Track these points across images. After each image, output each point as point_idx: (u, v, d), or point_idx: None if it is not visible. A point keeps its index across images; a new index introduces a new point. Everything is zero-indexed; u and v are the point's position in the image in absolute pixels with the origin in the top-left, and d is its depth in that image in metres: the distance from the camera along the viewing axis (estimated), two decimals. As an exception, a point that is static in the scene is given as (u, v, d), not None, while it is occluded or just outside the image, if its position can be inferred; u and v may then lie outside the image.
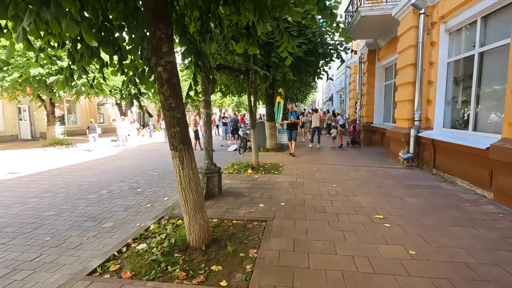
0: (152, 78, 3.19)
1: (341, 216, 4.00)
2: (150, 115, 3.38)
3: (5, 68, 11.91)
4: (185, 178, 3.00)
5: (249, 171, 7.07)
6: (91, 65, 12.75)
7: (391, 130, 8.36)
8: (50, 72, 12.59)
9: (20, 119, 17.94)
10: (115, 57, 3.13)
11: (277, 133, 11.66)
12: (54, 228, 4.09)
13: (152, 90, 3.49)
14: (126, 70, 3.27)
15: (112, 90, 18.00)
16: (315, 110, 12.43)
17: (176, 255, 2.95)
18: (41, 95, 13.54)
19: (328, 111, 18.71)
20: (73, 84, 12.78)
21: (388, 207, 4.32)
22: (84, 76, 3.43)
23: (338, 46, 9.46)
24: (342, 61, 11.04)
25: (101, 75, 3.38)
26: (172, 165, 3.05)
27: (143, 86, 3.24)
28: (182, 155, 2.95)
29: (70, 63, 3.02)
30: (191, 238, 3.09)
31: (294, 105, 9.82)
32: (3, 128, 16.77)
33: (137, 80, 3.24)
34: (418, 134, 6.96)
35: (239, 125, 16.23)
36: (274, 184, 5.89)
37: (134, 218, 4.45)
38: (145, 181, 6.95)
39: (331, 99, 25.85)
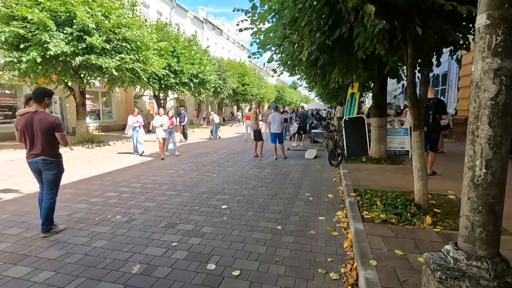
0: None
1: None
2: None
3: (21, 46, 9.33)
4: None
5: (428, 220, 3.35)
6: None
7: None
8: (76, 51, 9.85)
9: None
10: None
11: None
12: None
13: None
14: None
15: (151, 79, 15.24)
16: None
17: None
18: (67, 81, 10.90)
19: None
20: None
21: None
22: None
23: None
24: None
25: None
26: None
27: None
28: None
29: None
30: None
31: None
32: (32, 122, 14.74)
33: None
34: None
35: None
36: None
37: None
38: (213, 228, 3.55)
39: (404, 91, 21.09)
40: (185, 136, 14.13)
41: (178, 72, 16.96)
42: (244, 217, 3.93)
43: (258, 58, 7.81)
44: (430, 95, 5.91)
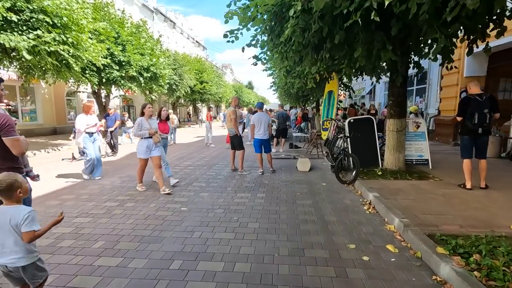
0: None
1: None
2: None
3: None
4: None
5: None
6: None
7: None
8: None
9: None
10: None
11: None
12: None
13: None
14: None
15: (87, 70, 11.97)
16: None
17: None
18: None
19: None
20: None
21: None
22: None
23: None
24: None
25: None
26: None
27: None
28: None
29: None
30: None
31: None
32: None
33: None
34: None
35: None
36: None
37: None
38: None
39: (370, 92, 20.65)
40: (112, 147, 9.30)
41: (123, 63, 13.80)
42: None
43: (233, 42, 5.70)
44: (476, 90, 4.45)
